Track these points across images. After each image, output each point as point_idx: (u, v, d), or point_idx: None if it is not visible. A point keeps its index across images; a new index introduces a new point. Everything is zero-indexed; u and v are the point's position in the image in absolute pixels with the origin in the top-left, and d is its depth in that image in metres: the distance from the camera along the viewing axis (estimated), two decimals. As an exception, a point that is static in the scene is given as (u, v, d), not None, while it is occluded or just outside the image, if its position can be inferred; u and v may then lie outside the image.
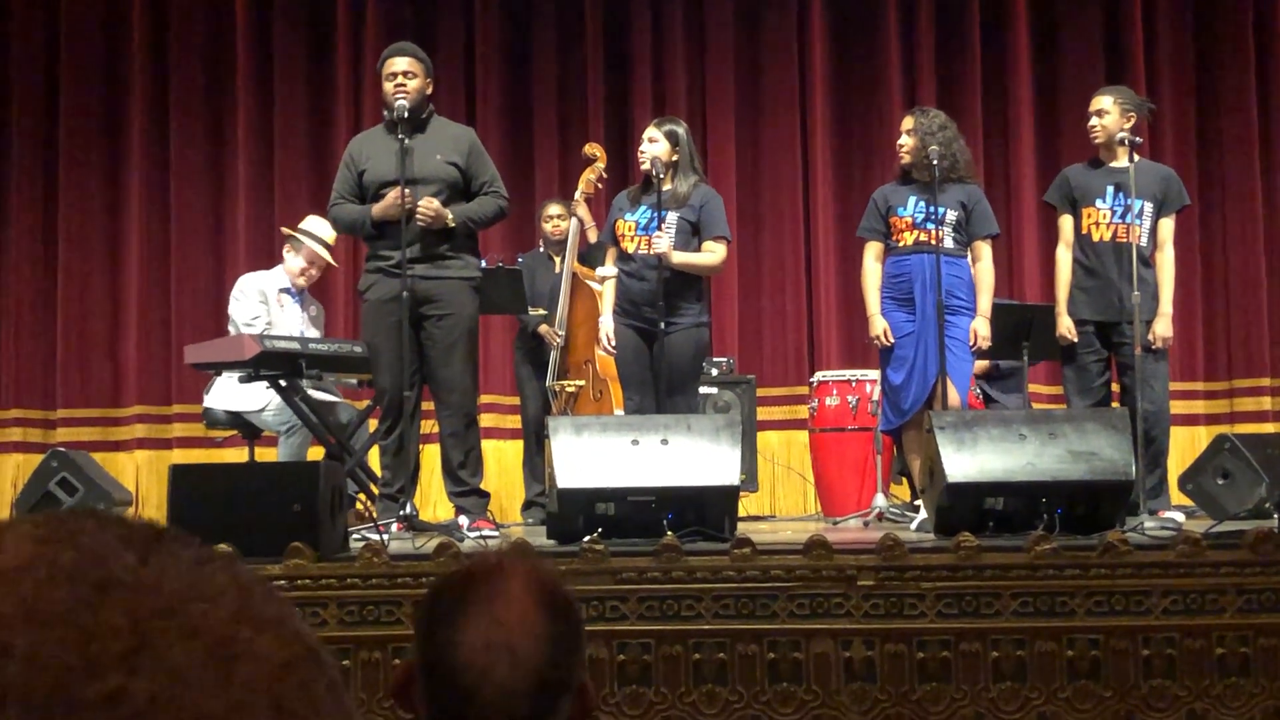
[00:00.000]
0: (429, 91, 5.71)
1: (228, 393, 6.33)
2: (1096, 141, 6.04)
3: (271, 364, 5.93)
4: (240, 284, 6.64)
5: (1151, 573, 3.99)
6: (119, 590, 0.50)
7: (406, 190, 5.44)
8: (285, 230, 6.90)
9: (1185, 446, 7.76)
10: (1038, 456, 4.71)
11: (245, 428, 6.37)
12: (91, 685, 0.47)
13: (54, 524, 0.52)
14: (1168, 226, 6.01)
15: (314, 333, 6.67)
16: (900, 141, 6.06)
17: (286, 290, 6.59)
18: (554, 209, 7.37)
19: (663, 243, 5.77)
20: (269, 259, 7.30)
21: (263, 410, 6.29)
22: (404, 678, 1.72)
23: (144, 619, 0.49)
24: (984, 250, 6.00)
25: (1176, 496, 6.20)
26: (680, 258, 5.81)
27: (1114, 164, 5.99)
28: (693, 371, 6.02)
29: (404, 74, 5.59)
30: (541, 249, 7.44)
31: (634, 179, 6.84)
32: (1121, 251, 5.86)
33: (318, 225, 6.68)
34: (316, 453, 6.23)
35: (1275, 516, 4.64)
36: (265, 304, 6.49)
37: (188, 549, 0.53)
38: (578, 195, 7.04)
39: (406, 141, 5.50)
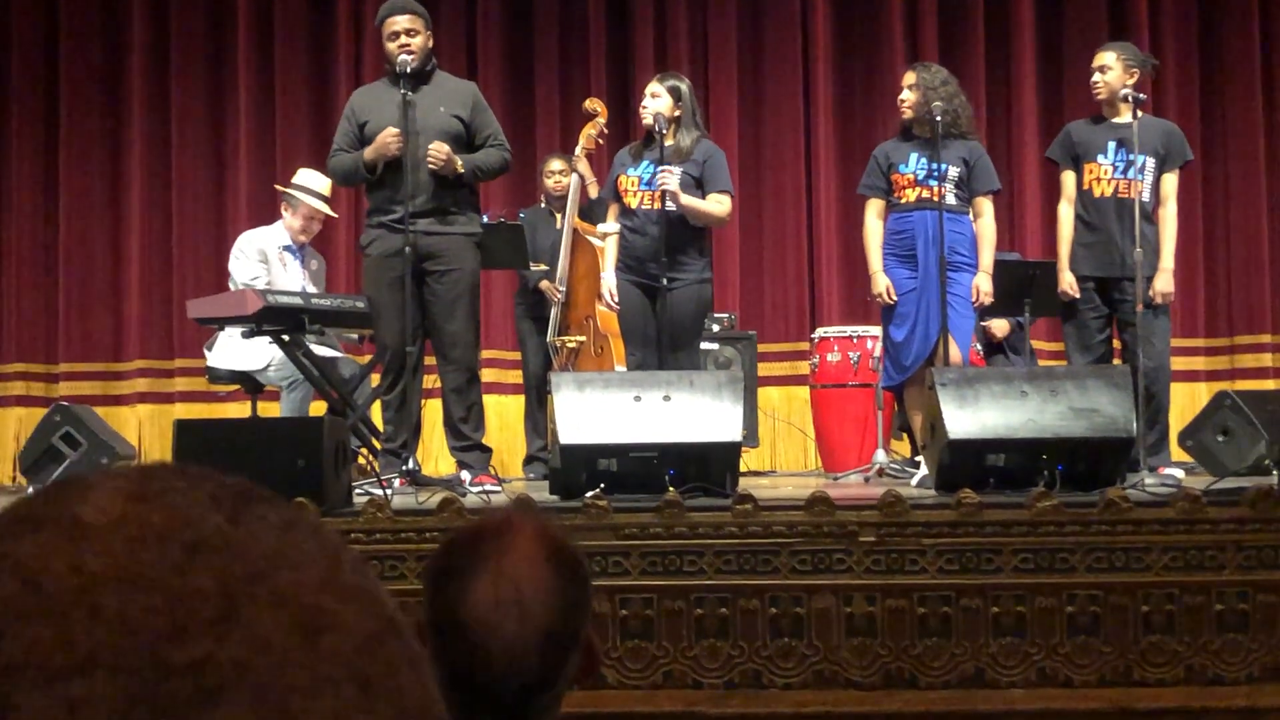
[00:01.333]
0: (431, 45, 5.70)
1: (230, 351, 6.35)
2: (1099, 98, 6.03)
3: (274, 319, 5.93)
4: (240, 242, 6.65)
5: (1151, 529, 4.01)
6: (208, 553, 0.49)
7: (407, 141, 5.43)
8: (279, 188, 6.89)
9: (1186, 403, 7.77)
10: (1039, 413, 4.72)
11: (248, 382, 6.39)
12: (179, 651, 0.46)
13: (145, 480, 0.52)
14: (1171, 182, 6.00)
15: (315, 288, 6.68)
16: (902, 97, 6.04)
17: (287, 248, 6.59)
18: (556, 164, 7.35)
19: (673, 181, 5.75)
20: (270, 213, 7.29)
21: (266, 368, 6.30)
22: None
23: (233, 584, 0.48)
24: (985, 206, 5.99)
25: (1177, 453, 6.21)
26: (687, 200, 5.80)
27: (1117, 120, 5.97)
28: (695, 327, 6.02)
29: (406, 32, 5.58)
30: (543, 204, 7.43)
31: (636, 135, 6.82)
32: (1123, 207, 5.86)
33: (311, 178, 6.68)
34: (319, 408, 6.25)
35: (1275, 473, 4.65)
36: (265, 263, 6.49)
37: (276, 511, 0.52)
38: (578, 151, 7.02)
39: (410, 95, 5.49)
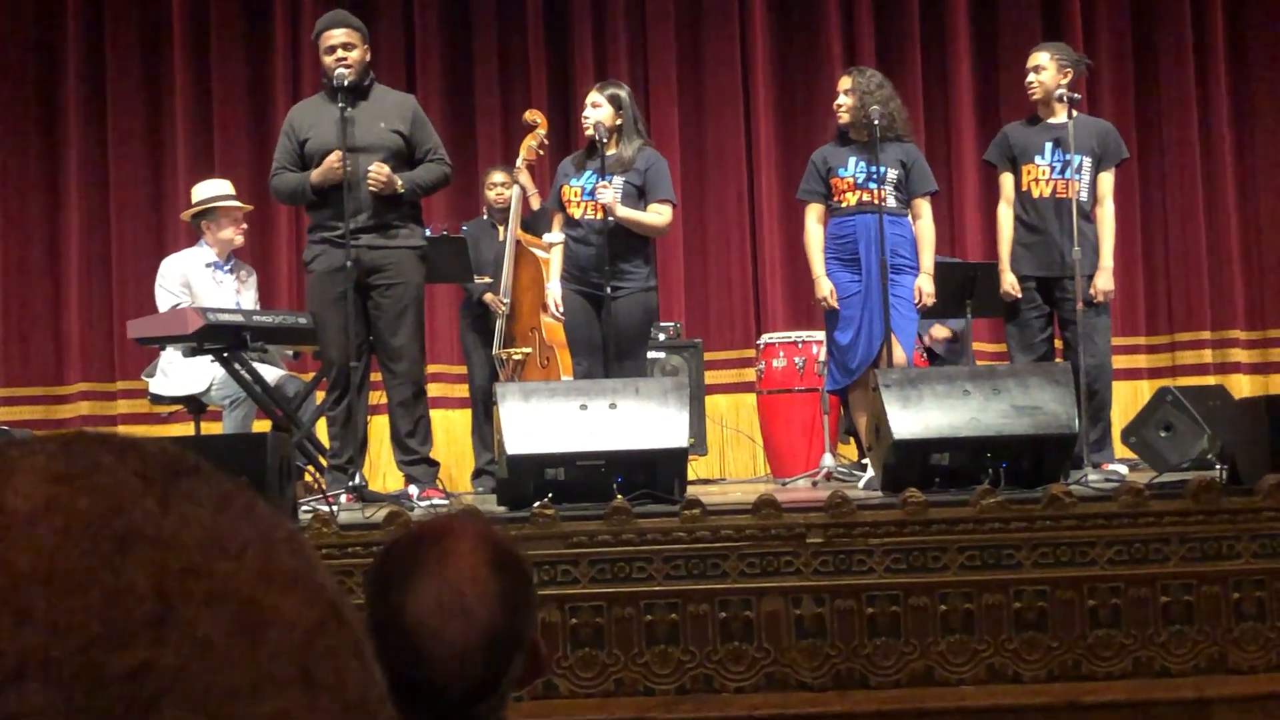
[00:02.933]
0: (368, 59, 5.67)
1: (170, 377, 6.30)
2: (1034, 98, 6.08)
3: (215, 337, 5.90)
4: (162, 268, 6.57)
5: (1095, 524, 4.05)
6: (141, 545, 0.46)
7: (348, 158, 5.41)
8: (185, 217, 6.84)
9: (1128, 400, 7.86)
10: (982, 412, 4.76)
11: (191, 402, 6.34)
12: (116, 657, 0.43)
13: (68, 457, 0.48)
14: (1107, 180, 6.05)
15: (250, 298, 6.62)
16: (838, 102, 6.07)
17: (214, 264, 6.53)
18: (498, 176, 7.34)
19: (607, 194, 5.77)
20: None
21: (208, 389, 6.26)
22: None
23: (168, 580, 0.45)
24: (924, 208, 6.04)
25: (1120, 450, 6.27)
26: (625, 212, 5.80)
27: (1052, 120, 6.03)
28: (641, 335, 6.02)
29: (343, 46, 5.54)
30: (485, 217, 7.42)
31: (578, 145, 6.83)
32: (1061, 207, 5.91)
33: (211, 188, 6.66)
34: (263, 426, 6.20)
35: (1218, 467, 4.71)
36: (187, 287, 6.41)
37: (207, 486, 0.49)
38: (519, 162, 7.02)
39: (349, 111, 5.46)
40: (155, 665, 0.44)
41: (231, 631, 0.46)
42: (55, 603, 0.44)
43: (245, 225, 6.71)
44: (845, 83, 6.09)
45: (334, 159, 5.41)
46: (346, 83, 5.46)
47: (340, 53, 5.53)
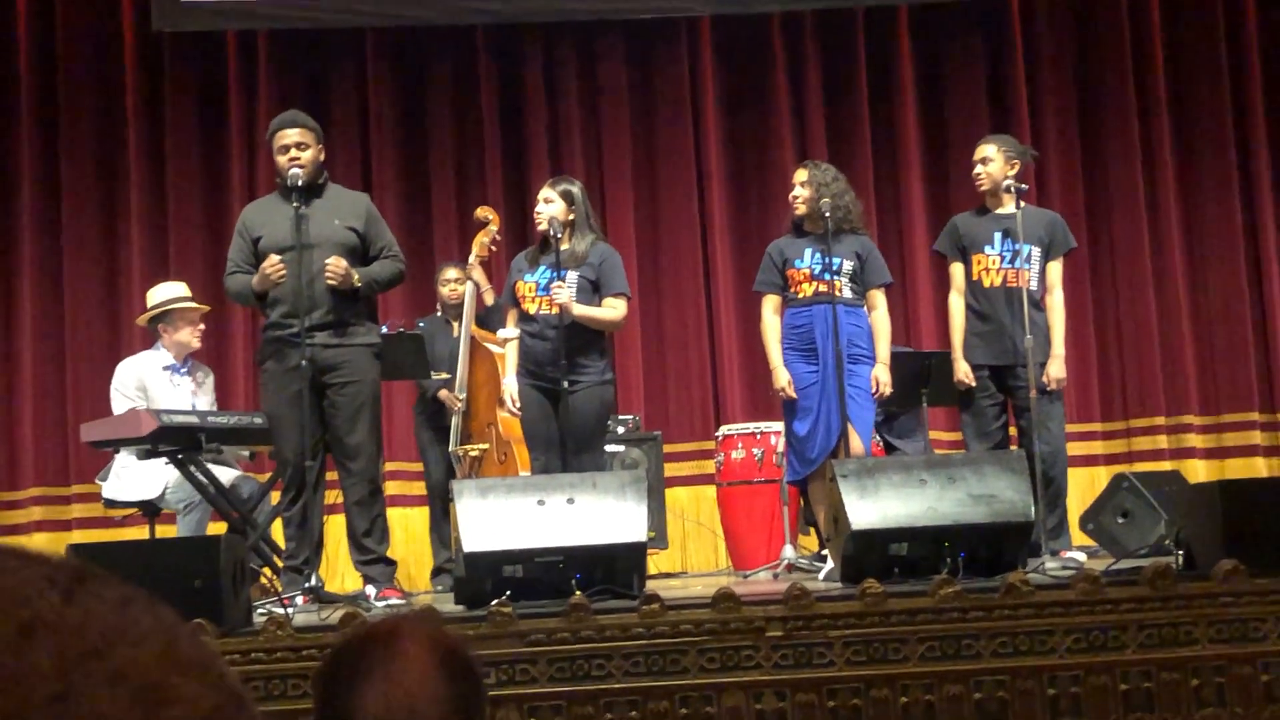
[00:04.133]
0: (322, 159, 5.70)
1: (124, 482, 6.24)
2: (982, 189, 6.15)
3: (170, 439, 5.86)
4: (117, 373, 6.53)
5: (1053, 612, 4.04)
6: (44, 632, 0.48)
7: (302, 255, 5.42)
8: (141, 322, 6.82)
9: (1085, 487, 7.88)
10: (938, 501, 4.77)
11: (145, 506, 6.28)
12: None
13: None
14: (1056, 270, 6.12)
15: (206, 400, 6.59)
16: (795, 194, 6.14)
17: (170, 367, 6.50)
18: (451, 273, 7.36)
19: (563, 294, 5.79)
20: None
21: (162, 493, 6.21)
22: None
23: (70, 662, 0.47)
24: (879, 299, 6.09)
25: (1078, 537, 6.28)
26: (580, 310, 5.82)
27: (1000, 211, 6.10)
28: (598, 429, 6.02)
29: (296, 145, 5.57)
30: (439, 313, 7.43)
31: (533, 240, 6.86)
32: (1012, 296, 5.96)
33: (165, 291, 6.64)
34: (219, 529, 6.15)
35: (1174, 553, 4.72)
36: (143, 390, 6.38)
37: (112, 588, 0.51)
38: (472, 258, 7.04)
39: (303, 209, 5.48)
40: None
41: (131, 709, 0.47)
42: None
43: (202, 326, 6.69)
44: (800, 175, 6.16)
45: (267, 265, 5.41)
46: (300, 182, 5.48)
47: (294, 152, 5.55)
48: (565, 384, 5.75)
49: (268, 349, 5.62)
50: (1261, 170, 8.85)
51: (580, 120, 8.81)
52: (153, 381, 6.41)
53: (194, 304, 6.64)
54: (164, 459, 5.96)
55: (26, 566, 0.51)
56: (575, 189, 6.04)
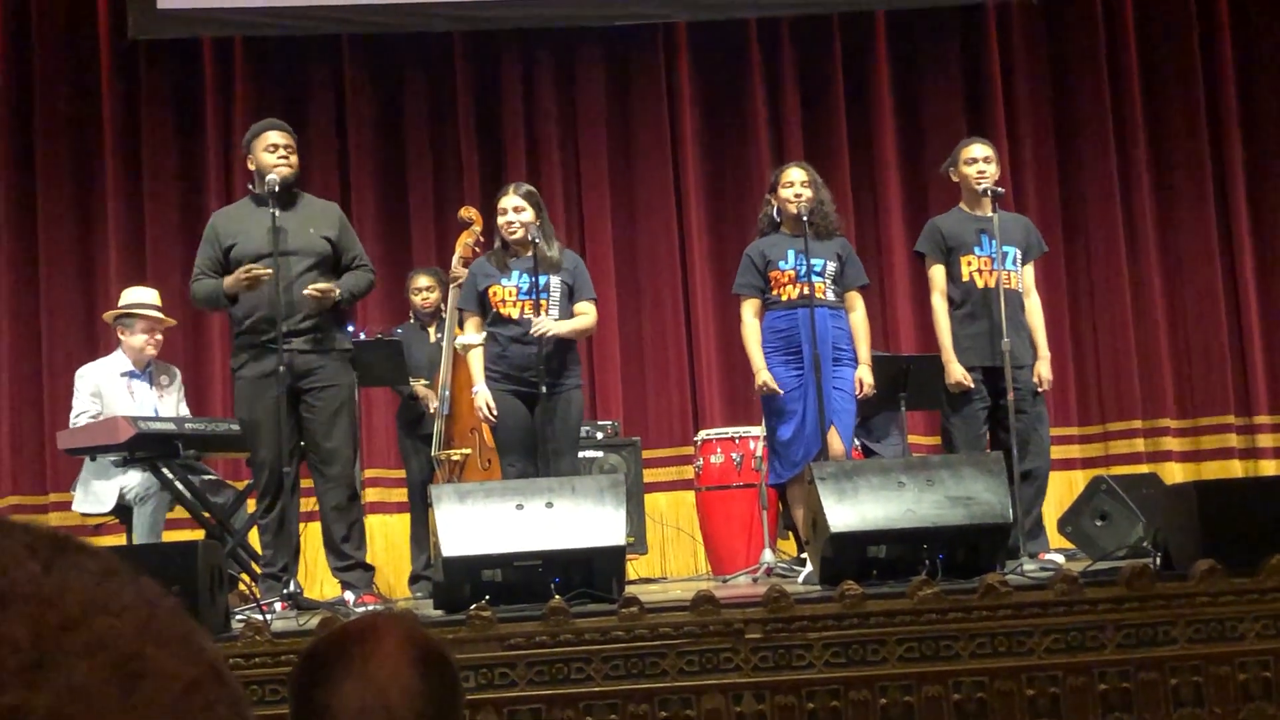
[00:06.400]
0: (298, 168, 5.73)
1: (90, 495, 6.20)
2: (981, 187, 6.09)
3: (146, 446, 5.84)
4: (76, 378, 6.50)
5: (1031, 612, 4.05)
6: (21, 601, 0.48)
7: (278, 262, 5.41)
8: (107, 318, 6.79)
9: (1063, 490, 7.91)
10: (917, 503, 4.78)
11: (120, 512, 6.25)
12: None
13: None
14: (1030, 274, 6.16)
15: (171, 399, 6.53)
16: (796, 192, 6.05)
17: (129, 373, 6.46)
18: (423, 280, 7.34)
19: (544, 324, 5.78)
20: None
21: (126, 493, 6.15)
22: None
23: (46, 632, 0.47)
24: (858, 301, 6.09)
25: (1056, 540, 6.30)
26: (566, 327, 5.84)
27: (979, 213, 6.11)
28: (578, 432, 6.04)
29: (285, 146, 5.60)
30: (412, 320, 7.41)
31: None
32: (1005, 298, 5.94)
33: (136, 294, 6.61)
34: (177, 518, 6.11)
35: (1153, 555, 4.74)
36: (98, 396, 6.34)
37: (93, 559, 0.51)
38: (455, 260, 7.02)
39: (278, 214, 5.48)
40: (28, 707, 0.45)
41: (109, 680, 0.47)
42: None
43: (160, 337, 6.60)
44: (801, 175, 6.10)
45: (253, 269, 5.40)
46: (284, 185, 5.49)
47: (282, 152, 5.58)
48: (543, 388, 5.75)
49: (242, 356, 5.60)
50: (1236, 175, 8.90)
51: (557, 126, 8.80)
52: (108, 387, 6.37)
53: (158, 314, 6.58)
54: (127, 467, 5.94)
55: (6, 536, 0.51)
56: (536, 193, 6.08)
